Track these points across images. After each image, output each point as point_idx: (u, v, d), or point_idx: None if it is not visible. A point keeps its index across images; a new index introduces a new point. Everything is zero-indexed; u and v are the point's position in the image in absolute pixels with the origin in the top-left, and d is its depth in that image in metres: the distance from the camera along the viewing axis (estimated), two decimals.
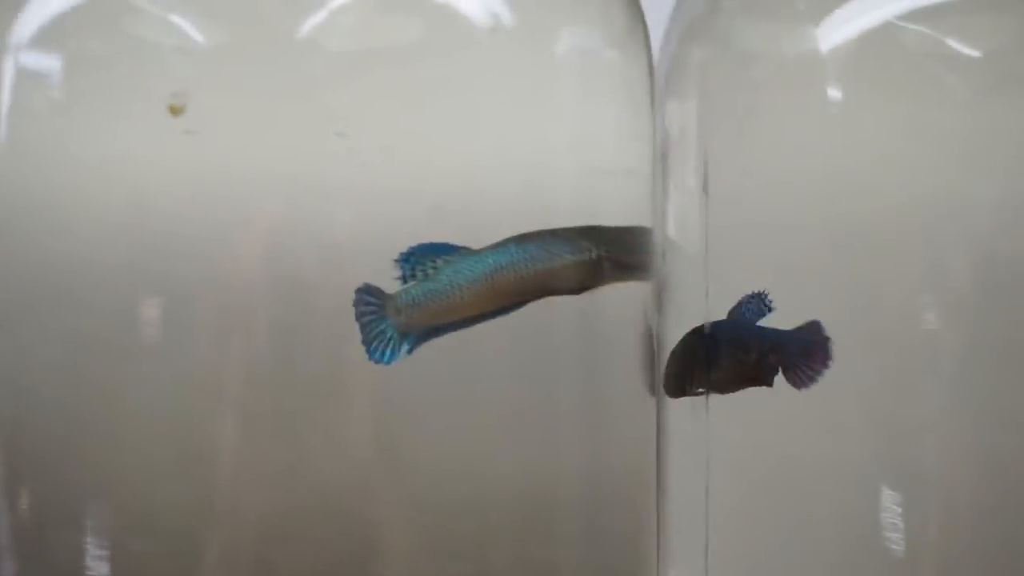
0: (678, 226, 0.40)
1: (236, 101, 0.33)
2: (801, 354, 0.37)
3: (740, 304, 0.37)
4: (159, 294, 0.33)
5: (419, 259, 0.34)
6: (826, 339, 0.36)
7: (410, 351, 0.34)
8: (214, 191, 0.33)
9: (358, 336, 0.34)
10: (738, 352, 0.38)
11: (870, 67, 0.36)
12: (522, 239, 0.35)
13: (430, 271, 0.34)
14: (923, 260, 0.36)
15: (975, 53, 0.35)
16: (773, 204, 0.37)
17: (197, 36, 0.33)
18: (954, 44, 0.35)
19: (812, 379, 0.37)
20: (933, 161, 0.36)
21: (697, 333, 0.38)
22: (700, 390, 0.39)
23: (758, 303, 0.37)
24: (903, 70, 0.36)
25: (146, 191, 0.33)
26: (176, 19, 0.33)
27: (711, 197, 0.38)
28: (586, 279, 0.36)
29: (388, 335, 0.34)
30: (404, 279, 0.34)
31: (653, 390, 0.39)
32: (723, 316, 0.38)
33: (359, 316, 0.34)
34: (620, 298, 0.37)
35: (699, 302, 0.39)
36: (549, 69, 0.36)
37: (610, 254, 0.36)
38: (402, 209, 0.34)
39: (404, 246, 0.34)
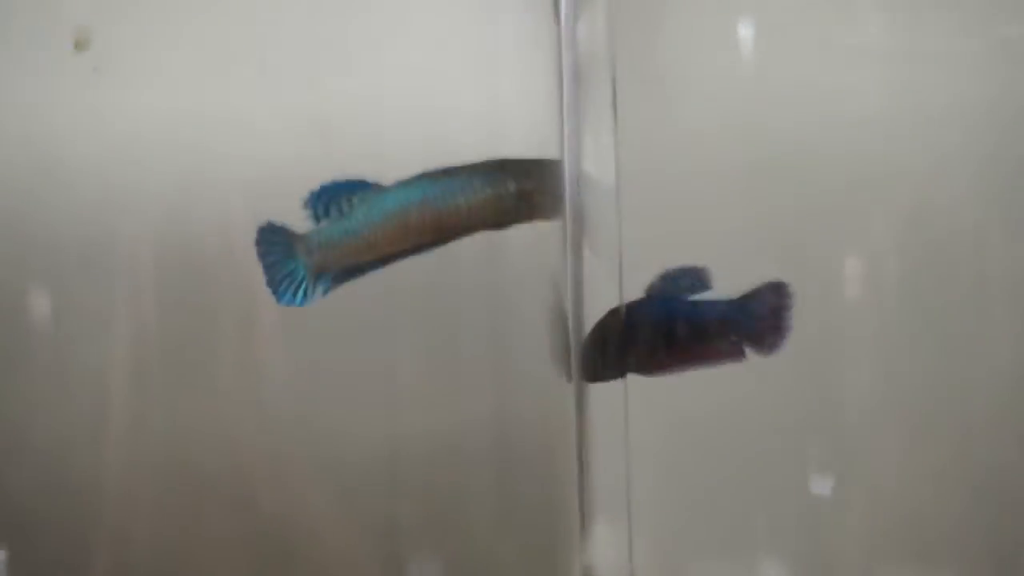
0: (593, 155, 0.38)
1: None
2: (763, 320, 0.34)
3: (670, 278, 0.35)
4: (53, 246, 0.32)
5: (331, 197, 0.32)
6: (788, 303, 0.34)
7: (325, 292, 0.33)
8: (118, 128, 0.32)
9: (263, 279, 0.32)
10: (666, 331, 0.36)
11: None
12: (437, 174, 0.33)
13: (344, 209, 0.32)
14: (844, 203, 0.34)
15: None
16: (684, 131, 0.36)
17: None
18: None
19: (777, 345, 0.34)
20: (853, 88, 0.34)
21: (614, 316, 0.37)
22: (615, 374, 0.37)
23: (694, 279, 0.35)
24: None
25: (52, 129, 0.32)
26: None
27: (622, 124, 0.36)
28: (505, 215, 0.35)
29: (299, 276, 0.32)
30: (316, 219, 0.32)
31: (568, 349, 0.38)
32: (638, 258, 0.36)
33: (263, 256, 0.32)
34: (528, 241, 0.35)
35: (614, 240, 0.37)
36: None
37: (528, 188, 0.35)
38: (304, 142, 0.32)
39: (306, 180, 0.32)
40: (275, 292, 0.32)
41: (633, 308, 0.36)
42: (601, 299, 0.37)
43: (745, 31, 0.34)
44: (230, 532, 0.32)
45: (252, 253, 0.32)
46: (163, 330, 0.32)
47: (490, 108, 0.35)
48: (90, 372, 0.32)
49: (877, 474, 0.35)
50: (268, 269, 0.32)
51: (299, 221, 0.32)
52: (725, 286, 0.35)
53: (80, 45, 0.32)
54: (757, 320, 0.34)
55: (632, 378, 0.37)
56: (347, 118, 0.32)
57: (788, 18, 0.34)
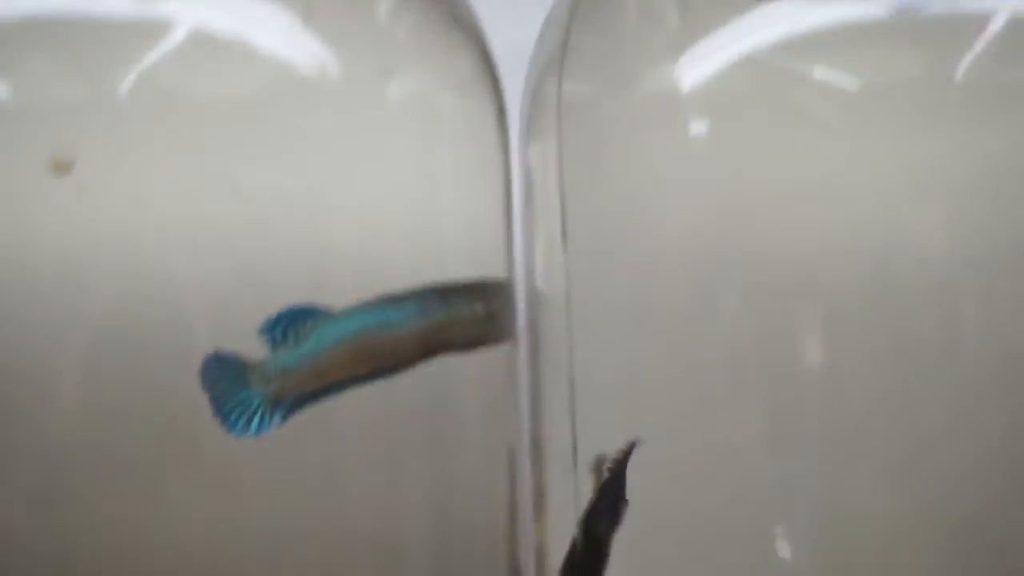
0: (544, 274, 0.38)
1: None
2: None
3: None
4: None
5: (288, 323, 0.33)
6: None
7: (283, 419, 0.32)
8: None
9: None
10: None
11: (733, 102, 0.34)
12: (398, 298, 0.34)
13: (301, 334, 0.33)
14: (797, 300, 0.34)
15: (849, 83, 0.33)
16: (634, 246, 0.35)
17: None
18: (824, 75, 0.34)
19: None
20: (805, 195, 0.34)
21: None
22: None
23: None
24: (770, 102, 0.34)
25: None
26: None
27: (571, 242, 0.36)
28: (475, 337, 0.35)
29: (254, 405, 0.32)
30: (274, 345, 0.32)
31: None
32: (590, 368, 0.36)
33: (211, 386, 0.32)
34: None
35: (565, 354, 0.37)
36: (381, 116, 0.34)
37: (496, 309, 0.35)
38: (247, 256, 0.33)
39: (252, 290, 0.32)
40: (226, 421, 0.32)
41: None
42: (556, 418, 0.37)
43: (695, 144, 0.35)
44: None
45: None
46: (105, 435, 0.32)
47: (432, 230, 0.35)
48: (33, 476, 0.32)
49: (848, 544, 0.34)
50: (217, 399, 0.32)
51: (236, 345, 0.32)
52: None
53: (61, 168, 0.32)
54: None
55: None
56: (294, 240, 0.33)
57: (736, 127, 0.34)
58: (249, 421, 0.32)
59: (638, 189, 0.35)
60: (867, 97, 0.33)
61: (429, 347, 0.34)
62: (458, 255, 0.36)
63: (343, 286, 0.33)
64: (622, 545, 0.35)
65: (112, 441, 0.32)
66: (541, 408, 0.38)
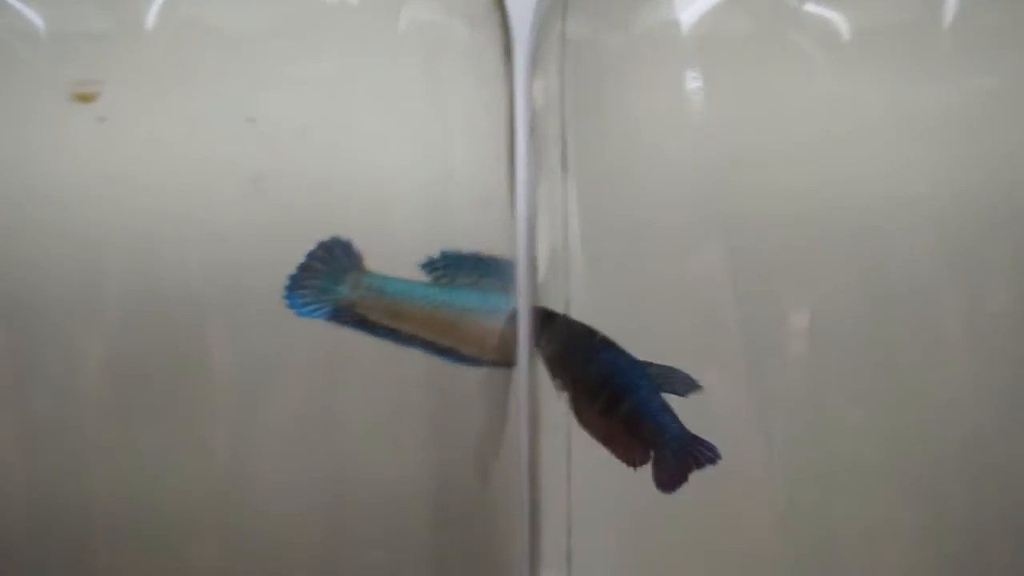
0: (545, 202, 0.39)
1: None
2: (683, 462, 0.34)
3: (668, 376, 0.34)
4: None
5: (455, 265, 0.34)
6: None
7: (329, 321, 0.33)
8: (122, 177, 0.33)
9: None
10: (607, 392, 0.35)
11: (726, 40, 0.35)
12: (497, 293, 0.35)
13: (449, 279, 0.34)
14: (786, 239, 0.35)
15: (840, 23, 0.34)
16: (629, 176, 0.36)
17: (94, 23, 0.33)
18: (816, 10, 0.35)
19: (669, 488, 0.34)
20: (795, 134, 0.35)
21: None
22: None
23: (686, 384, 0.34)
24: (762, 41, 0.35)
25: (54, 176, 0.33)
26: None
27: (570, 171, 0.37)
28: (503, 358, 0.36)
29: (327, 297, 0.33)
30: (433, 275, 0.34)
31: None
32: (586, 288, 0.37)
33: (314, 258, 0.33)
34: None
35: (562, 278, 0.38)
36: (394, 43, 0.36)
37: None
38: (261, 184, 0.34)
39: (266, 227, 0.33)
40: (293, 291, 0.33)
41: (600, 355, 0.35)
42: None
43: (689, 79, 0.35)
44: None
45: (213, 299, 0.33)
46: (120, 375, 0.33)
47: (440, 157, 0.36)
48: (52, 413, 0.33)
49: (826, 527, 0.35)
50: (304, 271, 0.33)
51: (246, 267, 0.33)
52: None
53: (85, 98, 0.33)
54: (681, 459, 0.34)
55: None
56: (304, 178, 0.34)
57: (728, 65, 0.35)
58: (308, 304, 0.33)
59: (635, 123, 0.36)
60: (859, 39, 0.34)
61: (485, 352, 0.35)
62: (464, 184, 0.37)
63: (354, 214, 0.34)
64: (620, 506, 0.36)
65: (131, 380, 0.33)
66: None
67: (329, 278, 0.33)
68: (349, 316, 0.33)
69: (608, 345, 0.35)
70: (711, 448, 0.34)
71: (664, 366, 0.34)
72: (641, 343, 0.35)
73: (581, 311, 0.37)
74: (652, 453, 0.34)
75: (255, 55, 0.34)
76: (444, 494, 0.36)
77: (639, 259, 0.36)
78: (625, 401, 0.35)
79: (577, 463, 0.37)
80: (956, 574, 0.35)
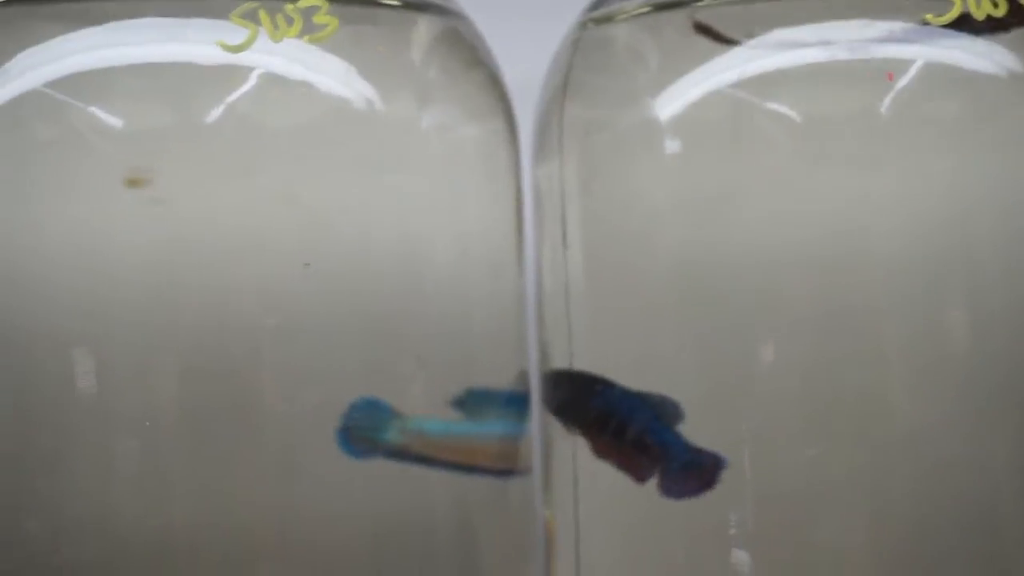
0: (549, 273, 0.44)
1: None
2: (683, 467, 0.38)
3: (660, 404, 0.39)
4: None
5: (476, 399, 0.39)
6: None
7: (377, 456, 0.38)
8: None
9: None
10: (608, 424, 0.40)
11: (701, 128, 0.40)
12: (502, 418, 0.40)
13: (471, 414, 0.39)
14: (763, 306, 0.39)
15: (795, 117, 0.40)
16: (619, 248, 0.41)
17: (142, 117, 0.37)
18: (775, 107, 0.40)
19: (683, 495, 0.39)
20: (761, 204, 0.40)
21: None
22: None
23: (672, 411, 0.39)
24: (731, 129, 0.40)
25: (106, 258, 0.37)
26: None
27: (570, 246, 0.43)
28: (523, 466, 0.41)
29: (376, 444, 0.38)
30: (464, 411, 0.39)
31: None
32: (585, 353, 0.42)
33: (352, 419, 0.37)
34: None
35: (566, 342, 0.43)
36: (416, 141, 0.40)
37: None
38: (305, 259, 0.38)
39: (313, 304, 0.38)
40: (345, 444, 0.37)
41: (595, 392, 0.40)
42: None
43: (670, 161, 0.40)
44: None
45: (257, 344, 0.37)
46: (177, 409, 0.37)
47: (459, 237, 0.41)
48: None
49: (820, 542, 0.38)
50: (347, 431, 0.37)
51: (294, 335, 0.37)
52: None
53: (136, 183, 0.37)
54: (687, 469, 0.38)
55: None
56: (345, 245, 0.38)
57: (703, 148, 0.40)
58: (362, 452, 0.37)
59: (624, 201, 0.42)
60: (810, 126, 0.39)
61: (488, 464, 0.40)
62: (480, 259, 0.42)
63: (386, 286, 0.39)
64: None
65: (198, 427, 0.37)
66: None
67: (373, 431, 0.37)
68: (400, 455, 0.38)
69: (609, 385, 0.40)
70: (715, 456, 0.39)
71: (657, 395, 0.39)
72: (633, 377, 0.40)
73: (582, 357, 0.42)
74: (661, 467, 0.39)
75: (298, 148, 0.38)
76: (467, 520, 0.40)
77: (630, 310, 0.41)
78: (630, 427, 0.40)
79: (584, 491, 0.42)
80: None
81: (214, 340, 0.37)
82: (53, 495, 0.36)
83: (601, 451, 0.40)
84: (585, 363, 0.42)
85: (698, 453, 0.38)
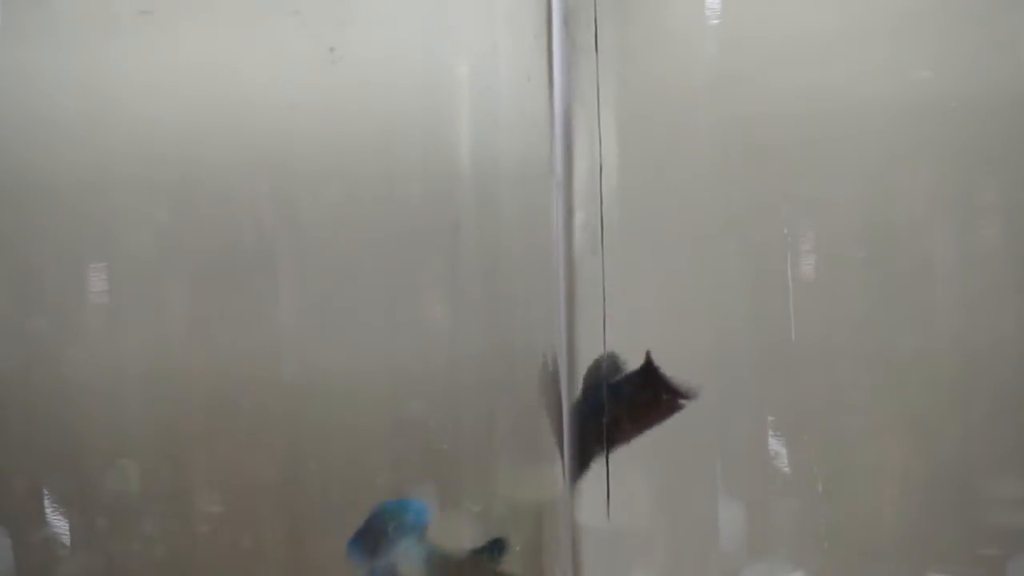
0: (577, 85, 0.43)
1: None
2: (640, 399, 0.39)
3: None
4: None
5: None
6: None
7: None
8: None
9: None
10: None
11: None
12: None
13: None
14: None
15: None
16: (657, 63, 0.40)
17: None
18: None
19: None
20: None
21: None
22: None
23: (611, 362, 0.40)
24: None
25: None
26: None
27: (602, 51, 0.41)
28: None
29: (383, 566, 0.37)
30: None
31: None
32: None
33: (370, 535, 0.36)
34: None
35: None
36: None
37: None
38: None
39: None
40: (358, 551, 0.37)
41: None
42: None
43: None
44: (242, 456, 0.36)
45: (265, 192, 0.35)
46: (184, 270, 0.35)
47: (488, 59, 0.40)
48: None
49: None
50: (367, 544, 0.36)
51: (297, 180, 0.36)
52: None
53: None
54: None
55: None
56: (357, 67, 0.37)
57: None
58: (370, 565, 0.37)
59: (664, 24, 0.40)
60: None
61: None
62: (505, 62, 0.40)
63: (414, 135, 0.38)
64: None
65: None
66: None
67: (382, 557, 0.37)
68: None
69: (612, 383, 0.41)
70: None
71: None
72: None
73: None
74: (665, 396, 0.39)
75: None
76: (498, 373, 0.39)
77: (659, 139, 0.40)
78: (639, 397, 0.40)
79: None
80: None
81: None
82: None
83: (625, 431, 0.41)
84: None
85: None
